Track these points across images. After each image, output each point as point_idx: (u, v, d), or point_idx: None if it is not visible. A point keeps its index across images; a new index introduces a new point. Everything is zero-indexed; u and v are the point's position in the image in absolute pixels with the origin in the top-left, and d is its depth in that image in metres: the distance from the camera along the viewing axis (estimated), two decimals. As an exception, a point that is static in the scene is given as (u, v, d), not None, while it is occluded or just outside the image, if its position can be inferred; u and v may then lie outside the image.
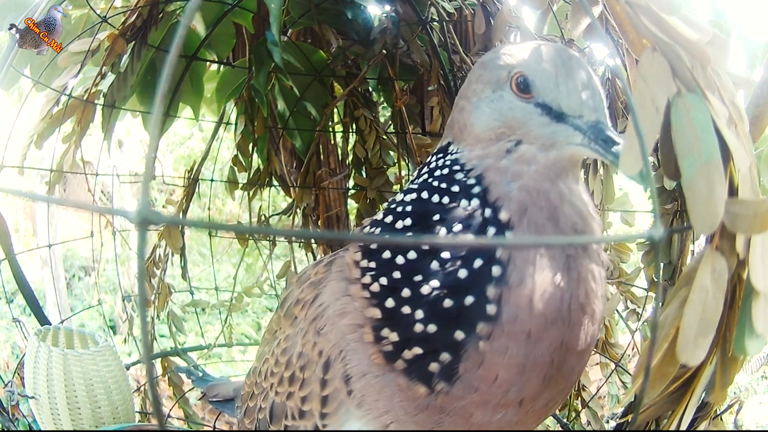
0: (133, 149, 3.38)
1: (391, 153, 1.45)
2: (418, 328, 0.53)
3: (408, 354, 0.54)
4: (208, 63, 1.51)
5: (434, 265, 0.54)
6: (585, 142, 0.55)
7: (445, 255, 0.54)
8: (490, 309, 0.52)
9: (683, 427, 0.59)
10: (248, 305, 1.85)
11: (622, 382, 1.26)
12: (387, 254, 0.58)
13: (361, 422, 0.58)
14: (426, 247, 0.56)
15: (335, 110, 1.54)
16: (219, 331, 1.66)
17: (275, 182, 1.60)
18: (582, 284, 0.55)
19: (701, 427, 0.67)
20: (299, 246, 1.61)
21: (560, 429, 1.27)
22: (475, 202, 0.56)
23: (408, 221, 0.58)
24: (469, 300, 0.52)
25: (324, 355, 0.59)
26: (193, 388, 1.45)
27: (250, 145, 1.50)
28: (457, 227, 0.55)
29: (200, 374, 1.38)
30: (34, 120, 1.17)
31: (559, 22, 1.09)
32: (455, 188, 0.58)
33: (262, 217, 1.56)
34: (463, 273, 0.53)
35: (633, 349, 1.26)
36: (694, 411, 0.60)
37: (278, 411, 0.67)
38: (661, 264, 1.07)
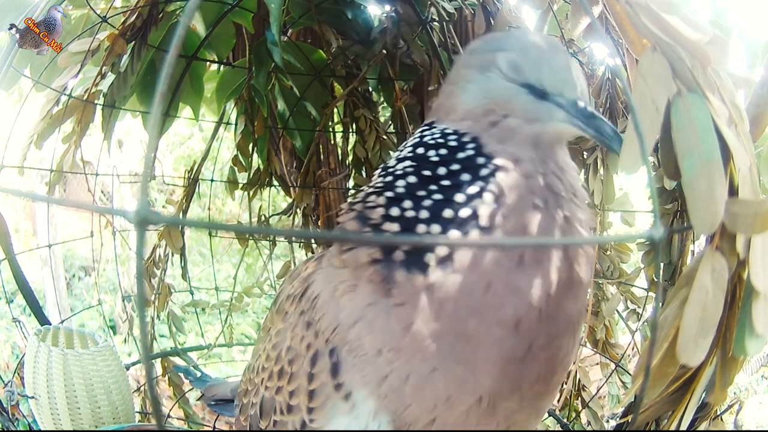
0: (133, 149, 3.39)
1: (391, 153, 1.45)
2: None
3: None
4: (208, 63, 1.50)
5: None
6: (567, 118, 0.58)
7: (440, 171, 0.58)
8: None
9: (683, 427, 0.59)
10: (248, 305, 1.85)
11: (622, 382, 1.26)
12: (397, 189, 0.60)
13: (348, 417, 0.57)
14: (427, 173, 0.58)
15: (335, 110, 1.54)
16: (219, 331, 1.66)
17: (275, 182, 1.60)
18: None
19: (701, 428, 0.67)
20: (299, 246, 1.61)
21: (560, 429, 1.26)
22: (470, 152, 0.59)
23: (410, 172, 0.60)
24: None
25: (312, 348, 0.59)
26: (193, 388, 1.45)
27: (250, 145, 1.50)
28: (455, 167, 0.58)
29: (198, 374, 1.38)
30: (34, 120, 1.17)
31: (559, 21, 1.09)
32: (452, 143, 0.60)
33: (262, 217, 1.56)
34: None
35: (633, 349, 1.26)
36: (694, 411, 0.60)
37: (267, 406, 0.68)
38: (661, 264, 1.07)
